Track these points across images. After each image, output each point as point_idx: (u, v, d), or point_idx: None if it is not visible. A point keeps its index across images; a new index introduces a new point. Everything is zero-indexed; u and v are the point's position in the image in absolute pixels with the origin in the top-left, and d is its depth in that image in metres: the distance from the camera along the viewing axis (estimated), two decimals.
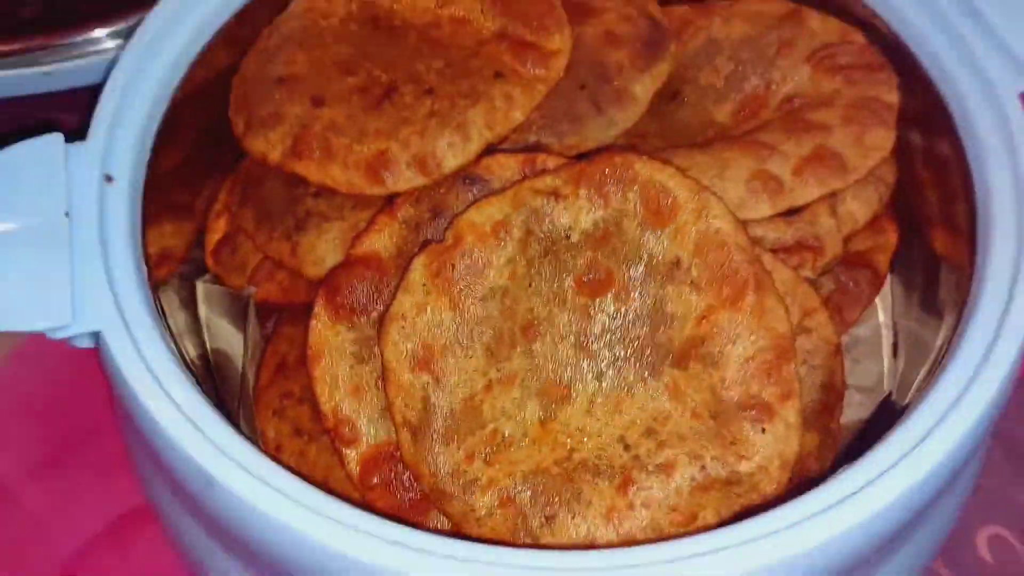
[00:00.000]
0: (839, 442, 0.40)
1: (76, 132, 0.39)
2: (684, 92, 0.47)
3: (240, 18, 0.44)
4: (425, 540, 0.30)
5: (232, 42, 0.44)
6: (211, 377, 0.44)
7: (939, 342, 0.39)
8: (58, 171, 0.37)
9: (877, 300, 0.47)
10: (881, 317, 0.47)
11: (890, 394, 0.44)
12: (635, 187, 0.37)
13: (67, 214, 0.36)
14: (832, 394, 0.39)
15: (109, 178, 0.38)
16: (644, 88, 0.45)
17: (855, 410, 0.43)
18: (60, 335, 0.35)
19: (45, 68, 0.51)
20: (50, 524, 0.46)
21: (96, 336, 0.35)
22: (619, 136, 0.44)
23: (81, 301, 0.34)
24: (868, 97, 0.43)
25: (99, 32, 0.53)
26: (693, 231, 0.37)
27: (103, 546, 0.46)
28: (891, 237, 0.46)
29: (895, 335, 0.46)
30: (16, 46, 0.53)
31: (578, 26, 0.45)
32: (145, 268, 0.37)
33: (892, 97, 0.43)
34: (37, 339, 0.50)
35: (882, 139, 0.41)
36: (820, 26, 0.46)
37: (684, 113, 0.47)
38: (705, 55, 0.47)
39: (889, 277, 0.47)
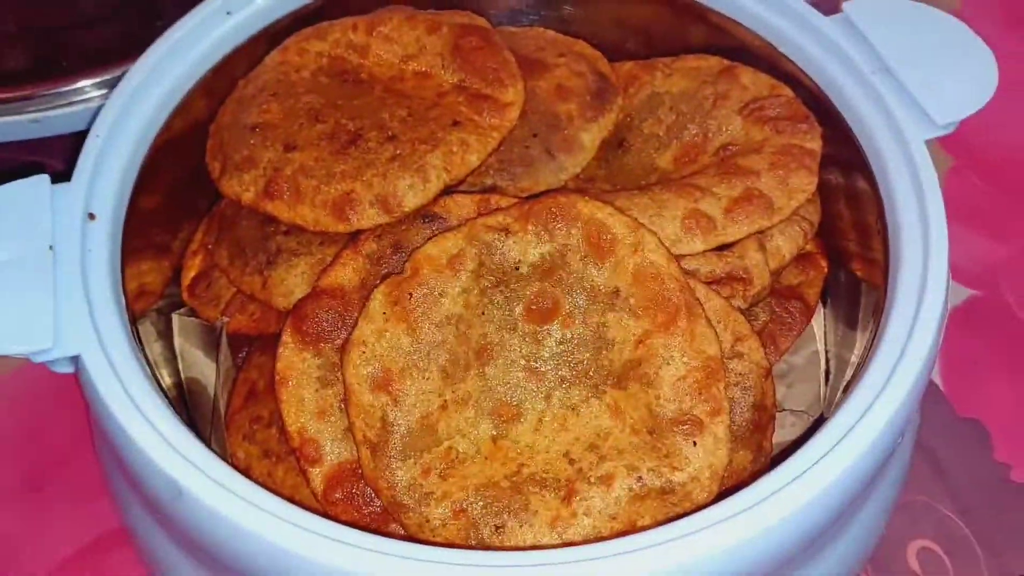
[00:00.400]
0: (770, 459, 0.43)
1: (62, 174, 0.42)
2: (629, 140, 0.51)
3: (217, 71, 0.48)
4: (386, 544, 0.33)
5: (210, 93, 0.48)
6: (184, 404, 0.47)
7: (856, 360, 0.43)
8: (44, 209, 0.40)
9: (814, 330, 0.50)
10: (818, 346, 0.50)
11: (821, 416, 0.47)
12: (578, 224, 0.41)
13: (51, 248, 0.39)
14: (763, 414, 0.43)
15: (92, 216, 0.41)
16: (592, 137, 0.49)
17: (788, 431, 0.47)
18: (41, 358, 0.37)
19: (34, 115, 0.55)
20: (24, 547, 0.48)
21: (75, 360, 0.37)
22: (569, 180, 0.48)
23: (62, 327, 0.37)
24: (793, 145, 0.47)
25: (85, 82, 0.57)
26: (631, 264, 0.40)
27: (76, 569, 0.48)
28: (821, 271, 0.50)
29: (827, 362, 0.49)
30: (5, 95, 0.56)
31: (532, 80, 0.49)
32: (123, 298, 0.40)
33: (815, 145, 0.47)
34: (14, 372, 0.53)
35: (805, 182, 0.45)
36: (751, 81, 0.50)
37: (629, 159, 0.51)
38: (649, 107, 0.51)
39: (825, 309, 0.51)
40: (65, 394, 0.51)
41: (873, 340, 0.40)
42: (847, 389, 0.38)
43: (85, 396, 0.37)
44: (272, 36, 0.49)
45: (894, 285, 0.40)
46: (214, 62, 0.47)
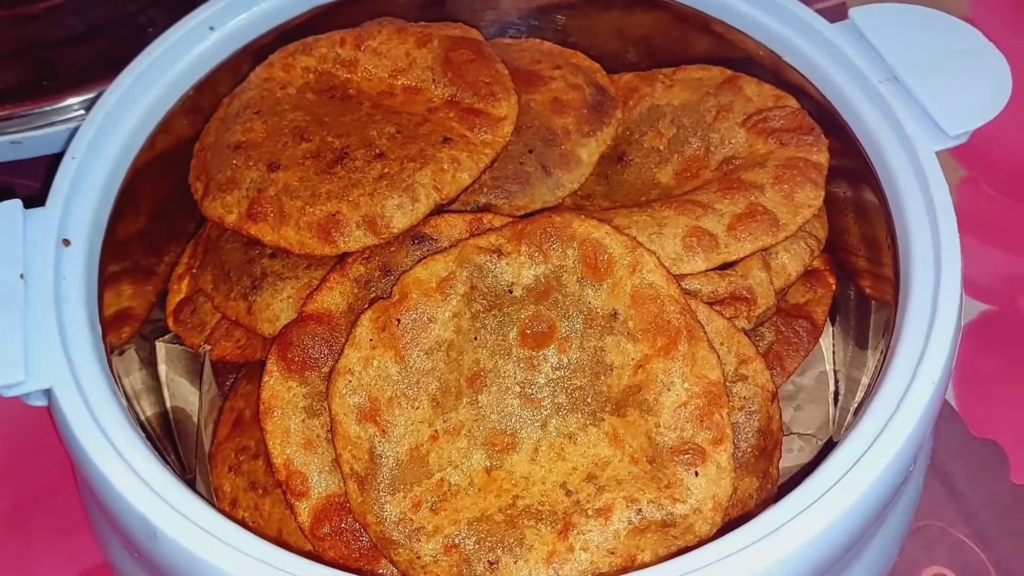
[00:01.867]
0: (777, 486, 0.41)
1: (38, 196, 0.40)
2: (629, 155, 0.49)
3: (200, 88, 0.46)
4: None
5: (193, 111, 0.46)
6: (171, 435, 0.45)
7: (867, 381, 0.41)
8: (16, 236, 0.38)
9: (822, 350, 0.48)
10: (826, 366, 0.48)
11: (830, 439, 0.45)
12: (573, 244, 0.39)
13: (22, 276, 0.37)
14: (769, 439, 0.41)
15: (66, 242, 0.39)
16: (590, 151, 0.48)
17: (796, 456, 0.45)
18: (12, 392, 0.36)
19: (14, 136, 0.53)
20: None
21: (48, 394, 0.36)
22: (566, 197, 0.47)
23: (34, 359, 0.36)
24: (799, 157, 0.45)
25: (72, 100, 0.55)
26: (628, 285, 0.39)
27: None
28: (829, 288, 0.49)
29: (837, 383, 0.48)
30: None
31: (527, 94, 0.48)
32: (100, 328, 0.38)
33: (821, 157, 0.45)
34: None
35: (811, 197, 0.44)
36: (755, 92, 0.48)
37: (629, 174, 0.49)
38: (649, 120, 0.50)
39: (833, 328, 0.49)
40: (48, 424, 0.50)
41: (884, 360, 0.38)
42: (857, 412, 0.37)
43: (58, 431, 0.36)
44: (257, 52, 0.47)
45: (905, 303, 0.38)
46: (196, 79, 0.46)
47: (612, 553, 0.35)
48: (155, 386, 0.46)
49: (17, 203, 0.39)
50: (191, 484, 0.41)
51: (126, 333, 0.44)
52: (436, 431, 0.38)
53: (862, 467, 0.33)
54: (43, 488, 0.49)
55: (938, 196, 0.41)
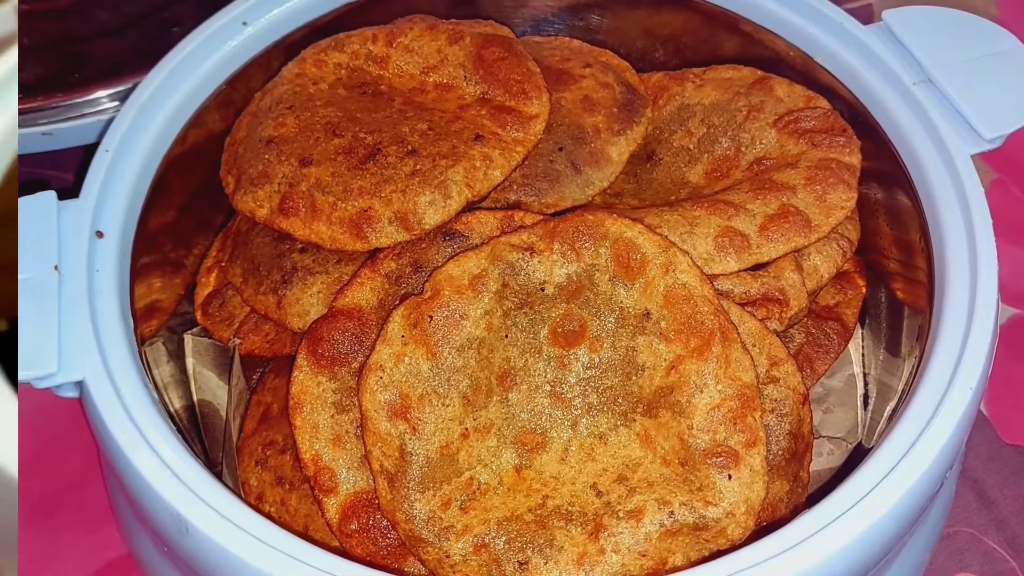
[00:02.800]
0: (808, 489, 0.41)
1: (72, 188, 0.40)
2: (659, 154, 0.49)
3: (233, 83, 0.46)
4: None
5: (225, 105, 0.46)
6: (197, 428, 0.45)
7: (901, 387, 0.41)
8: (50, 227, 0.38)
9: (851, 352, 0.48)
10: (855, 369, 0.48)
11: (860, 444, 0.45)
12: (606, 243, 0.39)
13: (57, 268, 0.37)
14: (800, 442, 0.40)
15: (100, 234, 0.39)
16: (620, 150, 0.47)
17: (826, 459, 0.44)
18: (45, 384, 0.36)
19: (46, 128, 0.53)
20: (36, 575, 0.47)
21: (80, 385, 0.36)
22: (596, 195, 0.46)
23: (67, 351, 0.36)
24: (831, 159, 0.45)
25: (100, 93, 0.55)
26: (662, 285, 0.38)
27: None
28: (859, 291, 0.48)
29: (866, 386, 0.47)
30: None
31: (558, 92, 0.48)
32: (132, 320, 0.38)
33: (854, 159, 0.45)
34: (24, 394, 0.51)
35: (844, 199, 0.43)
36: (786, 92, 0.48)
37: (659, 173, 0.49)
38: (679, 119, 0.49)
39: (862, 331, 0.48)
40: (74, 415, 0.50)
41: (918, 366, 0.37)
42: (892, 418, 0.36)
43: (90, 423, 0.36)
44: (289, 47, 0.47)
45: (940, 307, 0.38)
46: (229, 74, 0.46)
47: (643, 556, 0.35)
48: (182, 379, 0.46)
49: (52, 194, 0.39)
50: (218, 478, 0.41)
51: (154, 326, 0.44)
52: (466, 429, 0.38)
53: (897, 475, 0.33)
54: (69, 480, 0.50)
55: (974, 200, 0.40)
